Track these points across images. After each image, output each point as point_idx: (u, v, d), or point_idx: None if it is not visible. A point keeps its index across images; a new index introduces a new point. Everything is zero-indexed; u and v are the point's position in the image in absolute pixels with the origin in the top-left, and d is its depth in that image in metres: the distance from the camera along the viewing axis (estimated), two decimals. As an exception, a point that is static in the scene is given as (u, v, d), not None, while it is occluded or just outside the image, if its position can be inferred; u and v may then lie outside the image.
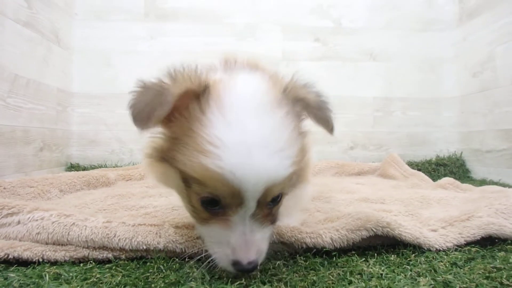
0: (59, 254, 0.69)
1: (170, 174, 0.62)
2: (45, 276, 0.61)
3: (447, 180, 1.47)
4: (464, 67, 2.12)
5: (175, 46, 2.12)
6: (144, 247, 0.70)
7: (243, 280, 0.58)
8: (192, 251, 0.68)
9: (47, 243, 0.72)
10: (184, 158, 0.56)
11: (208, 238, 0.61)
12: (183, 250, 0.69)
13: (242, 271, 0.55)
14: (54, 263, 0.68)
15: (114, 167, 2.01)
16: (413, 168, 2.10)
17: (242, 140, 0.54)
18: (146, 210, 1.09)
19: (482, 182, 1.86)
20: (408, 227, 0.71)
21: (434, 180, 2.04)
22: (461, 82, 2.15)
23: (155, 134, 0.65)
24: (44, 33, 1.75)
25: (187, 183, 0.58)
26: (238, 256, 0.55)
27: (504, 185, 1.73)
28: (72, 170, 2.00)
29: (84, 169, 2.02)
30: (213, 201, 0.57)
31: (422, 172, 2.13)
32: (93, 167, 2.02)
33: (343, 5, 2.22)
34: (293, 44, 2.19)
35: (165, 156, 0.62)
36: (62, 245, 0.71)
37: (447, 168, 2.08)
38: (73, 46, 2.06)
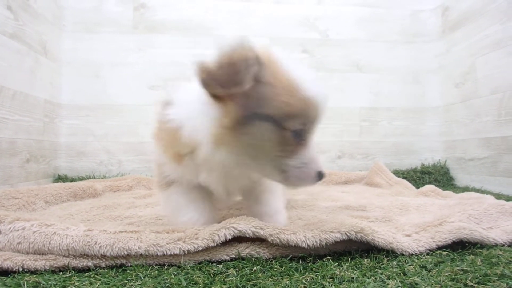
0: (39, 263, 0.70)
1: (260, 131, 0.71)
2: (24, 284, 0.61)
3: (429, 187, 1.51)
4: (447, 78, 2.18)
5: (163, 57, 2.15)
6: (125, 253, 0.70)
7: (218, 285, 0.59)
8: (173, 252, 0.70)
9: (27, 253, 0.73)
10: (282, 101, 0.70)
11: (294, 166, 0.74)
12: (165, 253, 0.70)
13: (323, 177, 0.75)
14: (34, 272, 0.69)
15: (102, 178, 2.01)
16: (398, 176, 2.14)
17: (314, 79, 0.76)
18: (130, 220, 1.10)
19: (465, 189, 1.90)
20: (382, 233, 0.73)
21: (418, 187, 2.08)
22: (444, 92, 2.21)
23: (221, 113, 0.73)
24: (31, 45, 1.76)
25: (280, 126, 0.71)
26: (320, 167, 0.75)
27: (485, 192, 1.77)
28: (60, 182, 1.99)
29: (72, 180, 2.02)
30: (301, 131, 0.73)
31: (408, 180, 2.17)
32: (81, 179, 2.02)
33: (329, 18, 2.28)
34: (280, 56, 2.22)
35: (260, 115, 0.71)
36: (42, 254, 0.72)
37: (431, 176, 2.11)
38: (62, 58, 2.08)
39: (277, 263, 0.68)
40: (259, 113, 0.71)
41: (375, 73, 2.28)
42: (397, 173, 2.11)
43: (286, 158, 0.74)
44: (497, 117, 1.74)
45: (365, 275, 0.61)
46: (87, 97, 2.12)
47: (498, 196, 1.62)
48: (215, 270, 0.65)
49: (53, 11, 2.00)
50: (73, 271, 0.69)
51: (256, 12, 2.22)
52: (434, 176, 2.11)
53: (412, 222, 0.87)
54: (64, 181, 1.99)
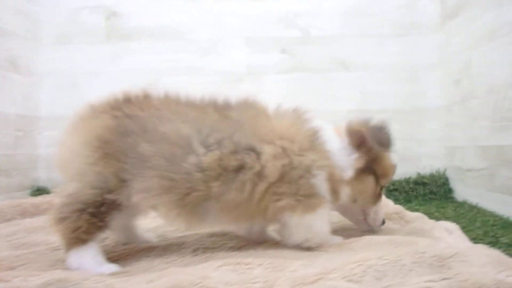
0: None
1: (369, 181, 0.98)
2: None
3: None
4: (448, 74, 1.90)
5: (139, 65, 2.10)
6: None
7: None
8: None
9: None
10: (383, 165, 1.00)
11: (376, 212, 1.03)
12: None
13: (384, 223, 1.06)
14: None
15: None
16: (388, 188, 1.92)
17: None
18: (37, 248, 1.05)
19: (462, 205, 1.64)
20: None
21: (409, 202, 1.84)
22: (445, 91, 1.93)
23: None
24: (-4, 63, 1.79)
25: (377, 182, 0.99)
26: (383, 216, 1.06)
27: (481, 209, 1.51)
28: (39, 194, 2.02)
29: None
30: (383, 187, 1.02)
31: (398, 192, 1.94)
32: (60, 190, 2.02)
33: (311, 13, 2.08)
34: (258, 57, 2.08)
35: (370, 169, 0.98)
36: None
37: (427, 187, 1.86)
38: (39, 71, 2.10)
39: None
40: (372, 169, 0.97)
41: (364, 72, 2.05)
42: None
43: (372, 204, 1.02)
44: (492, 122, 1.46)
45: None
46: (65, 108, 2.11)
47: (492, 216, 1.37)
48: None
49: (26, 26, 2.02)
50: None
51: (231, 12, 2.08)
52: (429, 187, 1.85)
53: (296, 275, 0.71)
54: (42, 193, 2.02)
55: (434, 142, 1.99)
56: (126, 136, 0.86)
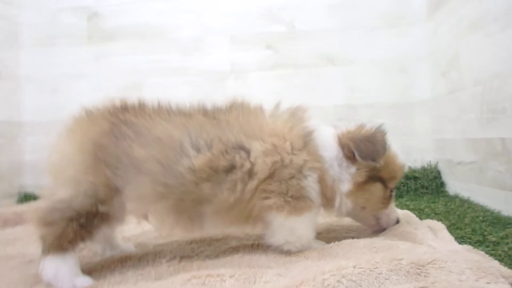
0: None
1: (376, 189, 0.95)
2: None
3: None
4: (436, 66, 1.85)
5: (121, 66, 2.05)
6: None
7: None
8: None
9: None
10: (390, 169, 0.95)
11: (388, 214, 1.01)
12: None
13: (399, 222, 1.02)
14: None
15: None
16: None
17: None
18: (12, 262, 1.02)
19: (454, 199, 1.61)
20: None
21: (402, 196, 1.81)
22: (434, 82, 1.89)
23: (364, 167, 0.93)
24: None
25: (385, 186, 0.96)
26: (397, 215, 1.03)
27: (472, 204, 1.48)
28: (25, 200, 1.99)
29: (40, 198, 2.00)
30: (393, 189, 0.99)
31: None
32: (46, 196, 1.99)
33: (295, 7, 2.03)
34: (242, 55, 2.04)
35: (375, 177, 0.94)
36: None
37: (418, 181, 1.83)
38: (21, 75, 2.05)
39: None
40: (377, 176, 0.94)
41: (351, 65, 2.00)
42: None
43: (383, 208, 0.99)
44: (480, 114, 1.42)
45: None
46: (48, 113, 2.08)
47: (483, 211, 1.34)
48: None
49: (5, 29, 1.97)
50: None
51: (214, 9, 2.04)
52: (421, 181, 1.82)
53: (266, 287, 0.68)
54: (29, 200, 1.98)
55: (424, 135, 1.95)
56: (121, 140, 0.85)
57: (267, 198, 0.86)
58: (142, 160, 0.83)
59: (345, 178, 0.92)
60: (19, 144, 2.03)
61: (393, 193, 1.01)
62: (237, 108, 0.94)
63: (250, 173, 0.86)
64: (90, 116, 0.92)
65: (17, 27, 2.04)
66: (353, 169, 0.92)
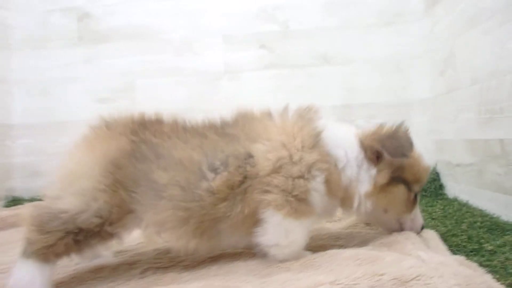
0: None
1: (399, 191, 0.91)
2: None
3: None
4: (434, 64, 1.79)
5: (113, 67, 2.02)
6: None
7: None
8: None
9: None
10: (414, 170, 0.92)
11: (412, 219, 0.96)
12: None
13: (424, 228, 0.99)
14: None
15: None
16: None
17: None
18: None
19: (452, 203, 1.55)
20: None
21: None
22: (433, 81, 1.82)
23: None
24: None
25: (409, 189, 0.91)
26: (422, 221, 0.99)
27: (470, 207, 1.42)
28: (14, 204, 1.96)
29: (31, 200, 1.97)
30: (418, 192, 0.95)
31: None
32: (37, 199, 1.96)
33: (290, 6, 1.98)
34: (236, 55, 1.99)
35: (399, 178, 0.91)
36: None
37: (416, 184, 1.76)
38: (9, 78, 2.03)
39: None
40: (400, 177, 0.90)
41: (347, 65, 1.95)
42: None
43: (406, 212, 0.94)
44: (477, 114, 1.36)
45: None
46: (38, 115, 2.05)
47: (481, 215, 1.28)
48: None
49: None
50: None
51: (206, 10, 1.99)
52: (419, 184, 1.76)
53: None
54: (17, 203, 1.95)
55: (422, 135, 1.89)
56: (141, 161, 0.83)
57: (267, 192, 0.82)
58: (163, 184, 0.81)
59: (364, 179, 0.88)
60: (8, 147, 2.01)
61: (418, 197, 0.96)
62: (242, 118, 0.91)
63: (255, 176, 0.83)
64: (110, 129, 0.89)
65: (6, 29, 2.02)
66: (373, 170, 0.88)
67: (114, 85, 2.02)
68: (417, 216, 0.98)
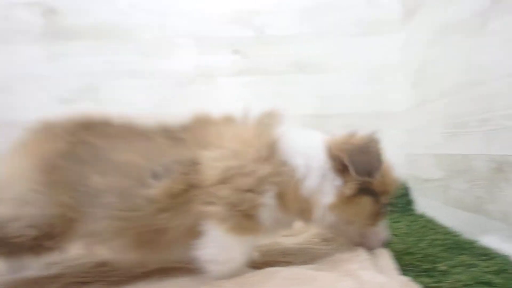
0: None
1: (366, 202, 0.86)
2: None
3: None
4: (407, 76, 1.76)
5: (77, 66, 1.94)
6: None
7: None
8: None
9: None
10: (383, 181, 0.87)
11: (376, 232, 0.92)
12: None
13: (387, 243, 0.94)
14: None
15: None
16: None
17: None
18: None
19: (418, 219, 1.50)
20: None
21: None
22: (405, 93, 1.79)
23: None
24: None
25: (377, 200, 0.86)
26: (387, 234, 0.95)
27: (436, 224, 1.37)
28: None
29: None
30: (385, 204, 0.91)
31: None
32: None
33: (266, 11, 1.94)
34: (209, 59, 1.94)
35: (366, 189, 0.85)
36: None
37: (385, 198, 1.72)
38: (-28, 74, 1.94)
39: None
40: (368, 188, 0.84)
41: (322, 74, 1.91)
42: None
43: (372, 225, 0.90)
44: (444, 128, 1.33)
45: None
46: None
47: (445, 233, 1.23)
48: None
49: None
50: None
51: (179, 10, 1.94)
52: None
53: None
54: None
55: (395, 148, 1.83)
56: (77, 164, 0.76)
57: (211, 204, 0.75)
58: (100, 190, 0.74)
59: (328, 189, 0.83)
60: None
61: (385, 210, 0.92)
62: (197, 122, 0.86)
63: (200, 185, 0.76)
64: (47, 132, 0.83)
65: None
66: (339, 181, 0.83)
67: (77, 86, 1.95)
68: (382, 229, 0.94)
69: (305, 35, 1.91)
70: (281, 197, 0.80)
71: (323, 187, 0.83)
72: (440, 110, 1.35)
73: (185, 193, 0.76)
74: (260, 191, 0.77)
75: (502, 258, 0.96)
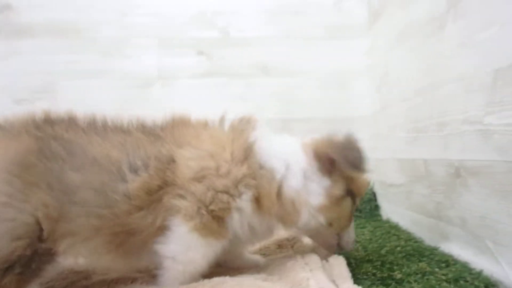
0: None
1: (347, 203, 0.87)
2: None
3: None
4: (372, 80, 1.76)
5: (32, 66, 1.83)
6: None
7: None
8: None
9: None
10: (359, 183, 0.89)
11: (349, 232, 0.93)
12: None
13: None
14: None
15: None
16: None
17: None
18: None
19: (383, 225, 1.48)
20: None
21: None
22: (371, 98, 1.79)
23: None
24: None
25: (354, 202, 0.89)
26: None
27: (399, 230, 1.35)
28: None
29: None
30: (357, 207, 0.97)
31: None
32: None
33: (231, 12, 1.90)
34: (171, 60, 1.87)
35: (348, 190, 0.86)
36: None
37: (351, 204, 1.69)
38: None
39: None
40: (349, 189, 0.86)
41: (287, 77, 1.88)
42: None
43: (348, 226, 0.91)
44: (406, 133, 1.31)
45: None
46: None
47: (407, 240, 1.21)
48: None
49: None
50: None
51: (141, 9, 1.87)
52: (354, 204, 1.69)
53: None
54: None
55: (361, 154, 1.83)
56: (51, 160, 0.70)
57: (182, 197, 0.73)
58: (76, 187, 0.70)
59: (315, 191, 0.83)
60: None
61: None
62: (175, 122, 0.84)
63: (173, 183, 0.74)
64: (8, 129, 0.75)
65: None
66: (327, 181, 0.84)
67: (33, 85, 1.84)
68: (353, 230, 0.96)
69: (271, 38, 1.88)
70: (259, 200, 0.79)
71: (310, 189, 0.82)
72: (402, 114, 1.34)
73: (159, 190, 0.74)
74: (235, 194, 0.76)
75: (461, 265, 0.94)
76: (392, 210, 1.53)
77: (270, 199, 0.79)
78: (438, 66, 1.05)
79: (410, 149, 1.28)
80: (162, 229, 0.74)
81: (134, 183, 0.72)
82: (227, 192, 0.75)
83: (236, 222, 0.77)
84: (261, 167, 0.80)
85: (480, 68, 0.87)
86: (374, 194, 1.75)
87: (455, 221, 1.03)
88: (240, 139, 0.82)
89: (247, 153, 0.80)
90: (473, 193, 0.93)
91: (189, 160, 0.76)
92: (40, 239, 0.67)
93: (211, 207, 0.74)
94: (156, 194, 0.74)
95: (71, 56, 1.83)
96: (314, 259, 0.83)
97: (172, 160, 0.76)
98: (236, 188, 0.76)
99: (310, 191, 0.83)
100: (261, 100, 1.86)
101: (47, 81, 1.82)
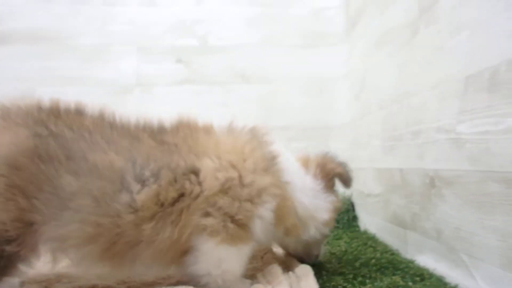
0: None
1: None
2: None
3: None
4: (351, 88, 1.74)
5: (9, 72, 1.77)
6: None
7: None
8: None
9: None
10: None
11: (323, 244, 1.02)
12: None
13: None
14: None
15: None
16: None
17: None
18: None
19: (360, 236, 1.45)
20: None
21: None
22: (349, 106, 1.77)
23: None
24: None
25: None
26: None
27: (376, 242, 1.32)
28: None
29: None
30: None
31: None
32: None
33: (210, 20, 1.87)
34: (150, 67, 1.83)
35: None
36: None
37: (330, 214, 1.66)
38: None
39: None
40: None
41: (267, 85, 1.86)
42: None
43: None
44: (382, 141, 1.29)
45: None
46: None
47: (382, 252, 1.18)
48: None
49: None
50: None
51: (120, 17, 1.83)
52: (333, 214, 1.65)
53: None
54: None
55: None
56: (47, 163, 0.65)
57: (208, 215, 0.71)
58: (72, 192, 0.66)
59: (323, 207, 0.89)
60: None
61: None
62: (184, 128, 0.80)
63: (198, 195, 0.71)
64: (5, 120, 0.71)
65: None
66: (332, 197, 0.92)
67: (11, 93, 1.77)
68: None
69: (250, 45, 1.86)
70: (279, 211, 0.79)
71: (318, 205, 0.88)
72: (379, 122, 1.32)
73: (176, 203, 0.71)
74: (259, 202, 0.76)
75: (436, 279, 0.91)
76: (370, 221, 1.50)
77: (287, 213, 0.82)
78: (413, 73, 1.03)
79: (387, 158, 1.25)
80: (180, 245, 0.71)
81: (142, 194, 0.68)
82: (250, 201, 0.75)
83: (257, 228, 0.77)
84: (283, 181, 0.82)
85: (452, 75, 0.86)
86: (352, 205, 1.72)
87: (431, 233, 1.00)
88: (263, 150, 0.83)
89: (271, 164, 0.81)
90: (448, 204, 0.91)
91: (215, 171, 0.74)
92: (8, 240, 0.63)
93: (237, 217, 0.73)
94: (172, 207, 0.70)
95: (51, 62, 1.78)
96: (279, 272, 0.79)
97: (193, 171, 0.73)
98: (259, 197, 0.76)
99: (319, 208, 0.88)
100: (241, 107, 1.83)
101: (25, 88, 1.74)
